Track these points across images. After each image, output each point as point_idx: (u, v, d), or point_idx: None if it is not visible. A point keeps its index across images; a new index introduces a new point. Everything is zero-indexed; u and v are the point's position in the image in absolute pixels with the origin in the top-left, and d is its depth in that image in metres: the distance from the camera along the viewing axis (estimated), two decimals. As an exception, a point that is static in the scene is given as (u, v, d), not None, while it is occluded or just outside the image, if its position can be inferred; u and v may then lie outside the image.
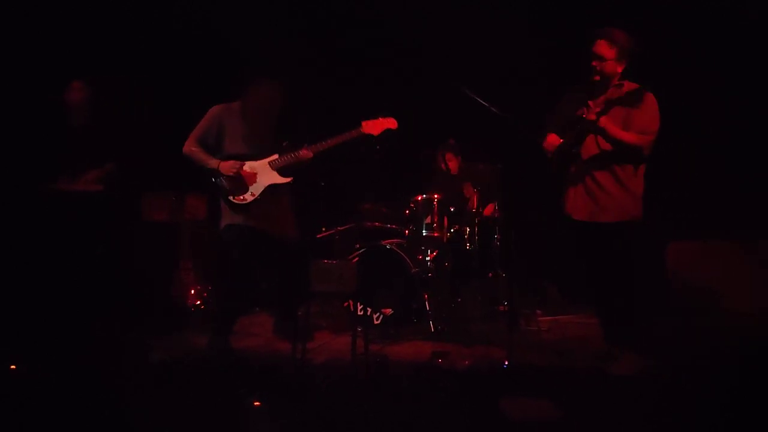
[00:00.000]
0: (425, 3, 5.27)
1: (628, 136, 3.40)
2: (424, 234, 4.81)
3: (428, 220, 4.81)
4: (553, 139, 3.63)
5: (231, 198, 3.98)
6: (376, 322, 4.59)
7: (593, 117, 3.37)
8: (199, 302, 5.18)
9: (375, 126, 4.07)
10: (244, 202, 3.99)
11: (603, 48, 3.45)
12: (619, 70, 3.49)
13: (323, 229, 5.26)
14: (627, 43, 3.45)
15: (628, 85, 3.47)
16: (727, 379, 3.19)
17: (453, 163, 5.41)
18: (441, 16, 5.29)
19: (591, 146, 3.54)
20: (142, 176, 4.86)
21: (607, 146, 3.47)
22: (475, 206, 4.98)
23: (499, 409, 2.96)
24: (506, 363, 3.54)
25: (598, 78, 3.48)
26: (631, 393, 3.20)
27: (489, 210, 5.13)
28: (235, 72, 4.29)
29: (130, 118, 4.75)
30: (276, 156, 4.05)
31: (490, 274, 5.06)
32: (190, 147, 3.99)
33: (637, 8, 4.65)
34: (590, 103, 3.41)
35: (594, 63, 3.47)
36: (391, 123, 4.11)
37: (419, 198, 4.84)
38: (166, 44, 5.39)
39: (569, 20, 5.13)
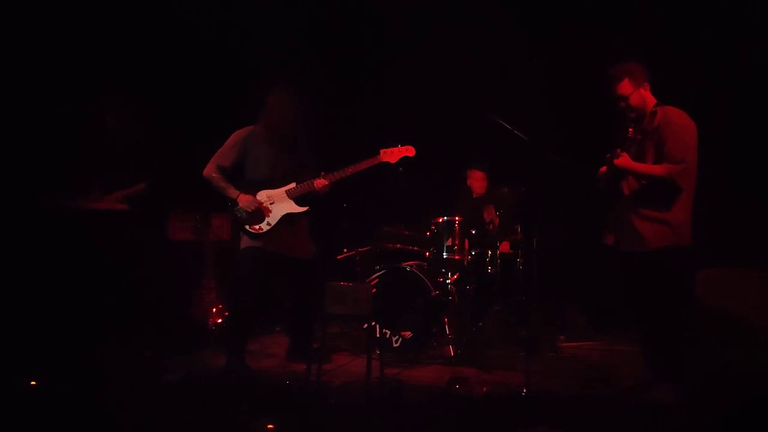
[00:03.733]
0: (427, 11, 5.24)
1: (652, 169, 3.37)
2: (444, 256, 4.76)
3: (449, 242, 4.76)
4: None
5: (247, 227, 4.04)
6: (395, 345, 4.54)
7: (615, 161, 3.38)
8: (220, 321, 5.19)
9: (393, 154, 4.11)
10: (260, 231, 4.03)
11: (618, 88, 3.43)
12: (644, 93, 3.44)
13: (344, 251, 5.24)
14: (633, 67, 3.44)
15: (661, 112, 3.42)
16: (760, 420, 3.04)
17: (477, 183, 5.35)
18: (445, 26, 5.26)
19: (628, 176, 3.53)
20: (169, 196, 4.91)
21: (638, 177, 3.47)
22: (497, 230, 4.89)
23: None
24: (524, 391, 3.46)
25: (633, 115, 3.47)
26: (653, 426, 3.09)
27: (505, 247, 5.05)
28: (251, 89, 4.29)
29: (158, 135, 4.80)
30: (294, 184, 4.07)
31: (513, 299, 4.97)
32: (211, 172, 4.05)
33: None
34: (617, 150, 3.40)
35: (621, 105, 3.46)
36: (409, 151, 4.14)
37: (440, 220, 4.80)
38: (168, 51, 5.31)
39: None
